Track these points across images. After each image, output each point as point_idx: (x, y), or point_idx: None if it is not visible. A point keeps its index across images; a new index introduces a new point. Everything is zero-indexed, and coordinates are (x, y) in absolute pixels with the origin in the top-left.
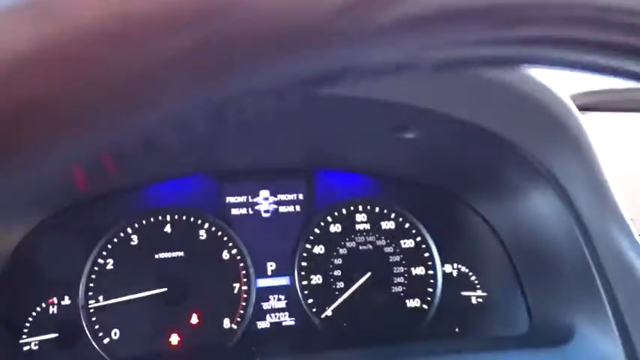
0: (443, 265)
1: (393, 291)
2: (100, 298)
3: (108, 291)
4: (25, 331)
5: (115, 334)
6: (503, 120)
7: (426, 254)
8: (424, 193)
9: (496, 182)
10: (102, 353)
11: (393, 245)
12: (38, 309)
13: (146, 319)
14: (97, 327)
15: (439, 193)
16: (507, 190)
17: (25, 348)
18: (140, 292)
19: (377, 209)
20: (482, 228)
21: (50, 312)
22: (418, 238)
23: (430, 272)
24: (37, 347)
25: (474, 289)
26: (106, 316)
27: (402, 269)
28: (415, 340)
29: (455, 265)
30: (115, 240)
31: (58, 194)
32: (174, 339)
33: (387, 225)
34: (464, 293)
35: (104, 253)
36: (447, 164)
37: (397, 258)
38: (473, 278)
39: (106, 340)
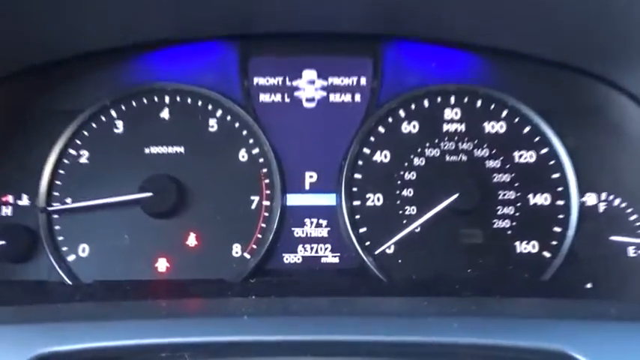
0: (582, 195)
1: (496, 226)
2: (68, 200)
3: (78, 192)
4: None
5: (84, 250)
6: None
7: (555, 175)
8: (554, 78)
9: None
10: (62, 274)
11: (502, 158)
12: None
13: (126, 234)
14: (60, 238)
15: (576, 77)
16: None
17: None
18: (121, 195)
19: (479, 103)
20: None
21: (2, 214)
22: (543, 150)
23: (559, 203)
24: None
25: (633, 233)
26: (73, 226)
27: (513, 195)
28: (524, 306)
29: (602, 196)
30: (94, 125)
31: (20, 47)
32: (162, 264)
33: (494, 127)
34: (614, 238)
35: (77, 141)
36: (584, 31)
37: (507, 177)
38: (632, 218)
39: (71, 258)
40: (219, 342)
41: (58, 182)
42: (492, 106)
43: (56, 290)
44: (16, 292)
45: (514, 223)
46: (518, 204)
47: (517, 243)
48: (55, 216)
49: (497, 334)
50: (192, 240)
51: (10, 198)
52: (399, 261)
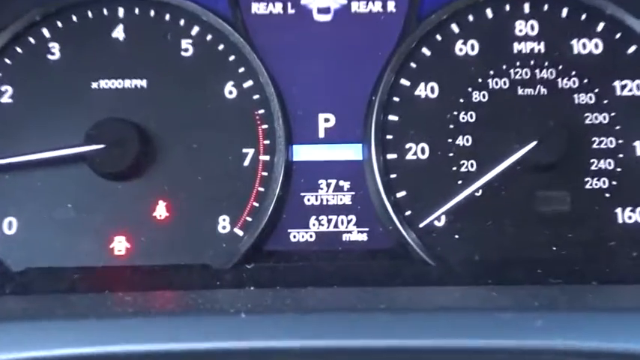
0: None
1: (590, 187)
2: None
3: (1, 143)
4: None
5: (10, 225)
6: None
7: None
8: None
9: None
10: None
11: (597, 91)
12: None
13: (69, 202)
14: None
15: None
16: None
17: None
18: (60, 149)
19: (564, 11)
20: None
21: None
22: None
23: None
24: None
25: None
26: None
27: (612, 142)
28: (631, 295)
29: None
30: (18, 49)
31: None
32: (120, 245)
33: (586, 46)
34: None
35: None
36: None
37: (604, 118)
38: None
39: None
40: (207, 350)
41: None
42: (583, 17)
43: None
44: None
45: (614, 183)
46: (620, 155)
47: (618, 210)
48: None
49: (596, 334)
50: (161, 210)
51: None
52: (454, 237)
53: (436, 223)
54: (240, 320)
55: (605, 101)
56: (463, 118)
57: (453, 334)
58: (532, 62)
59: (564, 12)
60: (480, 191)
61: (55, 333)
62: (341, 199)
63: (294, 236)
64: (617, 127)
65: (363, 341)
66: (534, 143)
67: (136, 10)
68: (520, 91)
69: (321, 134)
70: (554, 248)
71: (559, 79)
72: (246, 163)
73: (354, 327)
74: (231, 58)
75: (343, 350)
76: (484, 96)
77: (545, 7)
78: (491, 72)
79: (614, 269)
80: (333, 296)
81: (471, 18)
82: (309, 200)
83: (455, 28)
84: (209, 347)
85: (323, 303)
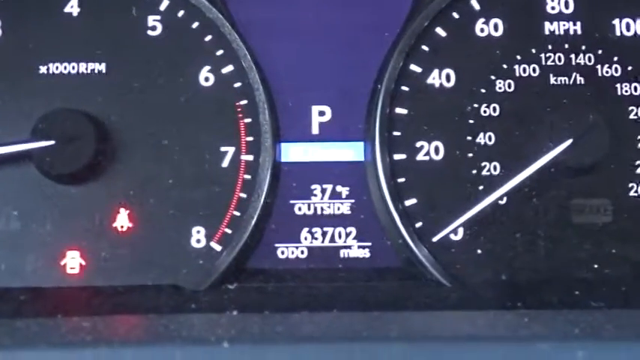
0: None
1: (634, 192)
2: None
3: None
4: None
5: None
6: None
7: None
8: None
9: None
10: None
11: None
12: None
13: (14, 209)
14: None
15: None
16: None
17: None
18: (2, 145)
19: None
20: None
21: None
22: None
23: None
24: None
25: None
26: None
27: None
28: None
29: None
30: None
31: None
32: (74, 261)
33: (630, 27)
34: None
35: None
36: None
37: None
38: None
39: None
40: None
41: None
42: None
43: None
44: None
45: None
46: None
47: None
48: None
49: None
50: (122, 220)
51: None
52: (474, 253)
53: (452, 236)
54: (223, 351)
55: None
56: (485, 112)
57: None
58: (566, 46)
59: None
60: (505, 199)
61: None
62: (338, 208)
63: (283, 252)
64: None
65: None
66: (569, 142)
67: None
68: (552, 80)
69: (315, 130)
70: (596, 266)
71: (598, 66)
72: (225, 164)
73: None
74: (208, 38)
75: None
76: (510, 85)
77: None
78: (519, 57)
79: None
80: (333, 322)
81: None
82: (300, 209)
83: (475, 4)
84: None
85: (321, 330)
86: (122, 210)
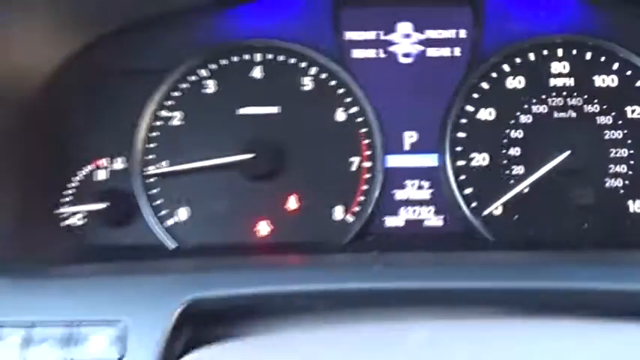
0: None
1: (608, 185)
2: (163, 163)
3: (173, 154)
4: (66, 200)
5: (183, 214)
6: None
7: None
8: None
9: None
10: (163, 237)
11: (614, 114)
12: (82, 172)
13: (225, 197)
14: (158, 202)
15: None
16: None
17: (66, 222)
18: (217, 158)
19: (588, 55)
20: None
21: (98, 178)
22: None
23: None
24: (81, 222)
25: None
26: (170, 189)
27: (625, 152)
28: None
29: None
30: (184, 85)
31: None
32: (263, 228)
33: (605, 81)
34: None
35: (169, 102)
36: None
37: (619, 134)
38: None
39: (170, 222)
40: (356, 290)
41: (152, 145)
42: (603, 59)
43: (158, 253)
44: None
45: (627, 182)
46: (631, 162)
47: (630, 202)
48: (152, 179)
49: (627, 279)
50: (292, 202)
51: (104, 162)
52: (508, 222)
53: (495, 212)
54: (377, 271)
55: (620, 122)
56: (514, 135)
57: (519, 278)
58: (564, 93)
59: (588, 55)
60: (528, 188)
61: (254, 278)
62: (422, 195)
63: (388, 222)
64: (629, 141)
65: (460, 284)
66: (567, 153)
67: (269, 56)
68: (556, 115)
69: (407, 147)
70: (585, 226)
71: (585, 105)
72: (353, 168)
73: (456, 275)
74: (341, 90)
75: (446, 291)
76: (529, 118)
77: (574, 51)
78: (534, 100)
79: (627, 245)
80: (422, 256)
81: (518, 60)
82: (399, 196)
83: (506, 67)
84: (358, 287)
85: (430, 262)
86: (292, 196)
